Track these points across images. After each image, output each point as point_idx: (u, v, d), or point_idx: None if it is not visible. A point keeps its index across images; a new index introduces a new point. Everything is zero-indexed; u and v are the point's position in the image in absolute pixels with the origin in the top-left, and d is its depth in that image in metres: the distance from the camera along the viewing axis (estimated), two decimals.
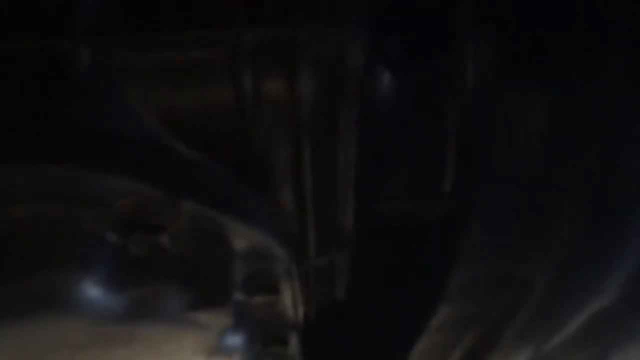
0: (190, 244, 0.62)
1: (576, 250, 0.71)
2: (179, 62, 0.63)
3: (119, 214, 0.59)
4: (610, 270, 0.72)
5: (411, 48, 0.72)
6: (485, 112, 0.69)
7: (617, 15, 0.63)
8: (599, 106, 0.65)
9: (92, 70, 0.62)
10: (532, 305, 0.76)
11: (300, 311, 0.74)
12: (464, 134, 0.72)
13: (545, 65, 0.66)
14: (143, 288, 0.62)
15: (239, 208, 0.64)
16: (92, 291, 0.59)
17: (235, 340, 0.71)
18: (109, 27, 0.62)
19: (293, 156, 0.68)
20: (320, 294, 0.89)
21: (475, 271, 0.74)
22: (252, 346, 0.73)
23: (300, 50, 0.63)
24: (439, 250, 0.79)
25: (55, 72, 0.61)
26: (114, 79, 0.62)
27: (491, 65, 0.68)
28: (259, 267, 0.67)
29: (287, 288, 0.70)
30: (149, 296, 0.62)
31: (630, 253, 0.70)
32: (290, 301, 0.71)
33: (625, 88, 0.64)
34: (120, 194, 0.58)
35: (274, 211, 0.68)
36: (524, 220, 0.71)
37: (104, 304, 0.60)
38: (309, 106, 0.65)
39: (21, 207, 0.58)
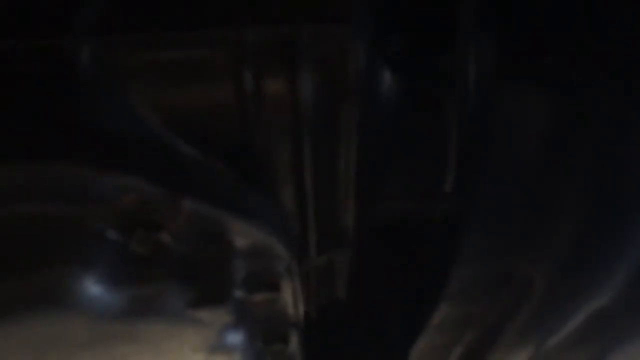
0: (191, 242, 0.62)
1: (576, 250, 0.71)
2: (181, 61, 0.63)
3: (120, 212, 0.59)
4: (610, 270, 0.72)
5: (413, 48, 0.72)
6: (486, 112, 0.69)
7: (617, 15, 0.63)
8: (599, 106, 0.65)
9: (94, 69, 0.62)
10: (532, 304, 0.76)
11: (301, 309, 0.75)
12: (465, 134, 0.72)
13: (545, 65, 0.66)
14: (144, 286, 0.62)
15: (240, 206, 0.64)
16: (94, 289, 0.60)
17: (235, 338, 0.71)
18: (111, 25, 0.62)
19: (294, 155, 0.68)
20: (320, 292, 0.89)
21: (475, 271, 0.74)
22: (253, 344, 0.73)
23: (302, 49, 0.63)
24: (440, 250, 0.79)
25: (57, 70, 0.61)
26: (116, 78, 0.63)
27: (492, 66, 0.68)
28: (259, 265, 0.67)
29: (288, 286, 0.70)
30: (150, 294, 0.62)
31: (630, 253, 0.70)
32: (290, 299, 0.71)
33: (626, 88, 0.64)
34: (121, 192, 0.58)
35: (274, 210, 0.68)
36: (524, 220, 0.71)
37: (105, 302, 0.61)
38: (310, 105, 0.65)
39: (23, 205, 0.58)
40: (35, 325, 0.61)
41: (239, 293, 0.67)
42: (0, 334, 0.62)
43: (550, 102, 0.66)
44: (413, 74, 0.72)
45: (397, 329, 0.91)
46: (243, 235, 0.64)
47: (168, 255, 0.61)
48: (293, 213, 0.72)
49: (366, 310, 0.97)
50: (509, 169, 0.68)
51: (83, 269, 0.60)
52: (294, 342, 0.76)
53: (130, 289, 0.61)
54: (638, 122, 0.65)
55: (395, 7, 0.72)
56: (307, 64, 0.63)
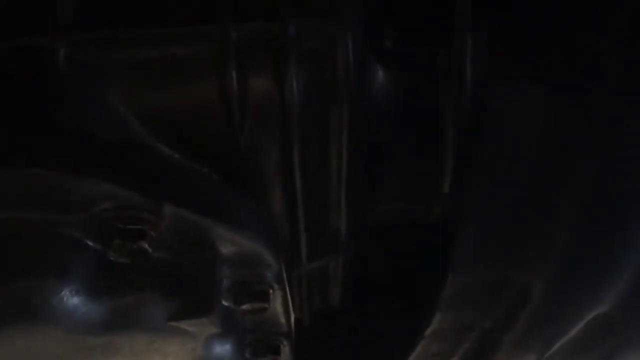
0: (173, 249, 0.60)
1: (574, 255, 0.69)
2: (162, 59, 0.60)
3: (98, 219, 0.56)
4: (610, 275, 0.70)
5: (407, 42, 0.70)
6: (482, 111, 0.66)
7: (613, 15, 0.61)
8: (596, 106, 0.63)
9: (72, 68, 0.59)
10: (531, 311, 0.74)
11: (292, 318, 0.72)
12: (462, 133, 0.70)
13: (540, 64, 0.64)
14: (124, 296, 0.59)
15: (225, 212, 0.62)
16: (71, 299, 0.57)
17: (222, 349, 0.68)
18: (90, 23, 0.60)
19: (282, 156, 0.66)
20: (314, 299, 0.87)
21: (471, 276, 0.72)
22: (242, 355, 0.71)
23: (289, 45, 0.60)
24: (436, 254, 0.76)
25: (32, 71, 0.59)
26: (94, 78, 0.60)
27: (488, 63, 0.66)
28: (247, 273, 0.65)
29: (278, 295, 0.67)
30: (130, 304, 0.60)
31: (630, 258, 0.68)
32: (281, 308, 0.69)
33: (623, 86, 0.62)
34: (99, 198, 0.56)
35: (262, 214, 0.66)
36: (520, 224, 0.69)
37: (84, 313, 0.58)
38: (298, 104, 0.62)
39: None
40: (9, 338, 0.58)
41: (225, 303, 0.64)
42: None
43: (546, 103, 0.64)
44: (407, 70, 0.70)
45: (393, 336, 0.88)
46: (229, 242, 0.61)
47: (149, 264, 0.59)
48: (282, 217, 0.70)
49: (361, 316, 0.95)
50: (504, 170, 0.66)
51: (60, 279, 0.57)
52: (286, 352, 0.73)
53: (110, 299, 0.59)
54: (636, 121, 0.62)
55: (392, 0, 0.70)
56: (294, 60, 0.61)
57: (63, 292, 0.57)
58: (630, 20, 0.61)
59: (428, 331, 0.77)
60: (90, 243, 0.57)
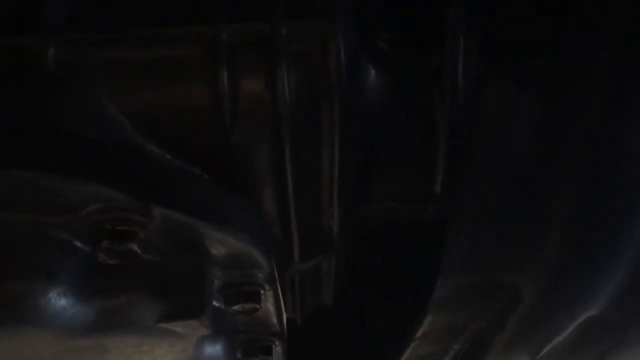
0: (163, 251, 0.59)
1: (566, 258, 0.69)
2: (153, 59, 0.60)
3: (87, 221, 0.56)
4: (600, 277, 0.70)
5: (400, 43, 0.70)
6: (474, 112, 0.66)
7: (604, 17, 0.61)
8: (589, 107, 0.63)
9: (61, 68, 0.59)
10: (521, 313, 0.74)
11: (284, 319, 0.72)
12: (454, 134, 0.70)
13: (532, 65, 0.64)
14: (113, 297, 0.59)
15: (216, 213, 0.61)
16: (60, 301, 0.57)
17: (213, 350, 0.68)
18: (80, 23, 0.60)
19: (274, 157, 0.65)
20: (306, 299, 0.87)
21: (462, 278, 0.72)
22: (233, 356, 0.70)
23: (280, 46, 0.60)
24: (428, 255, 0.76)
25: (21, 71, 0.59)
26: (84, 78, 0.60)
27: (479, 65, 0.66)
28: (238, 274, 0.64)
29: (269, 295, 0.67)
30: (119, 306, 0.59)
31: (622, 260, 0.68)
32: (272, 309, 0.69)
33: (614, 88, 0.61)
34: (88, 200, 0.55)
35: (254, 215, 0.66)
36: (511, 226, 0.68)
37: (72, 315, 0.58)
38: (290, 105, 0.62)
39: None
40: None
41: (216, 304, 0.64)
42: None
43: (537, 104, 0.64)
44: (400, 71, 0.70)
45: (385, 337, 0.88)
46: (219, 243, 0.61)
47: (138, 265, 0.58)
48: (274, 218, 0.70)
49: (353, 317, 0.95)
50: (496, 172, 0.66)
51: (49, 280, 0.57)
52: (277, 353, 0.73)
53: (99, 301, 0.59)
54: (629, 124, 0.62)
55: (386, 2, 0.70)
56: (285, 61, 0.61)
57: (52, 294, 0.56)
58: (619, 24, 0.61)
59: (419, 333, 0.77)
60: (79, 245, 0.57)
